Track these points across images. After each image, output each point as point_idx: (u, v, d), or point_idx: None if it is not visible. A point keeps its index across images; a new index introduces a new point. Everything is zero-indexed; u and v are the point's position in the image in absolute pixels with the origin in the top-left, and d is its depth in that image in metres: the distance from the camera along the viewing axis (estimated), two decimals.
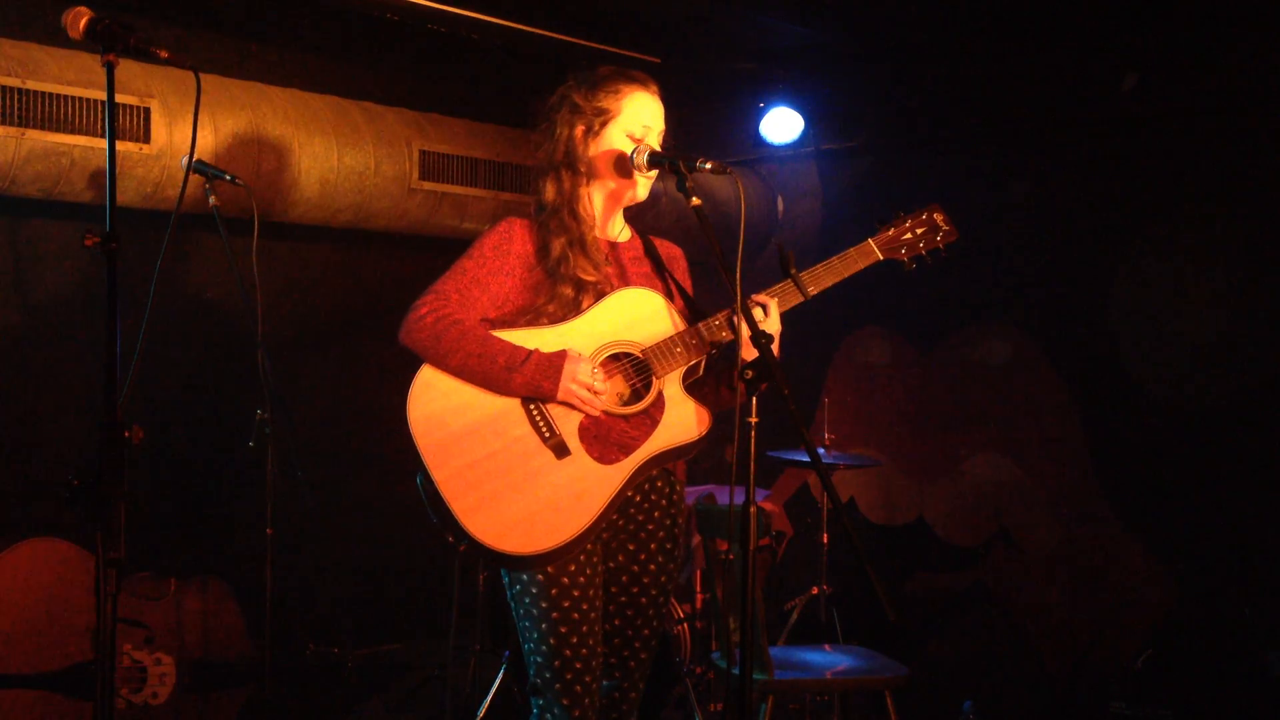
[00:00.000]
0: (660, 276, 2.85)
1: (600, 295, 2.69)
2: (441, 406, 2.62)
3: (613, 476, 2.63)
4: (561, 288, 2.66)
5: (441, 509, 2.58)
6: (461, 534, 2.57)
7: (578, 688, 2.62)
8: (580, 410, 2.62)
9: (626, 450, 2.64)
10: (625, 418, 2.65)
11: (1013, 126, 5.12)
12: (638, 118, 2.71)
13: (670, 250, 2.93)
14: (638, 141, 2.70)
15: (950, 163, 5.33)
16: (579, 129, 2.72)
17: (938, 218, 2.83)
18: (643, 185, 2.75)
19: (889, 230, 2.80)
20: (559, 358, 2.60)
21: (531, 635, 2.65)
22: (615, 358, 2.69)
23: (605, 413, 2.63)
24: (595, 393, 2.60)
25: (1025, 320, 5.14)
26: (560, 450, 2.61)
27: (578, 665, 2.62)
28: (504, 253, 2.70)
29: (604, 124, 2.70)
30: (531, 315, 2.69)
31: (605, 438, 2.63)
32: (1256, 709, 4.12)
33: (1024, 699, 4.69)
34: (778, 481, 5.84)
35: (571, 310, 2.67)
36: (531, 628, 2.64)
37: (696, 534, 4.47)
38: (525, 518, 2.58)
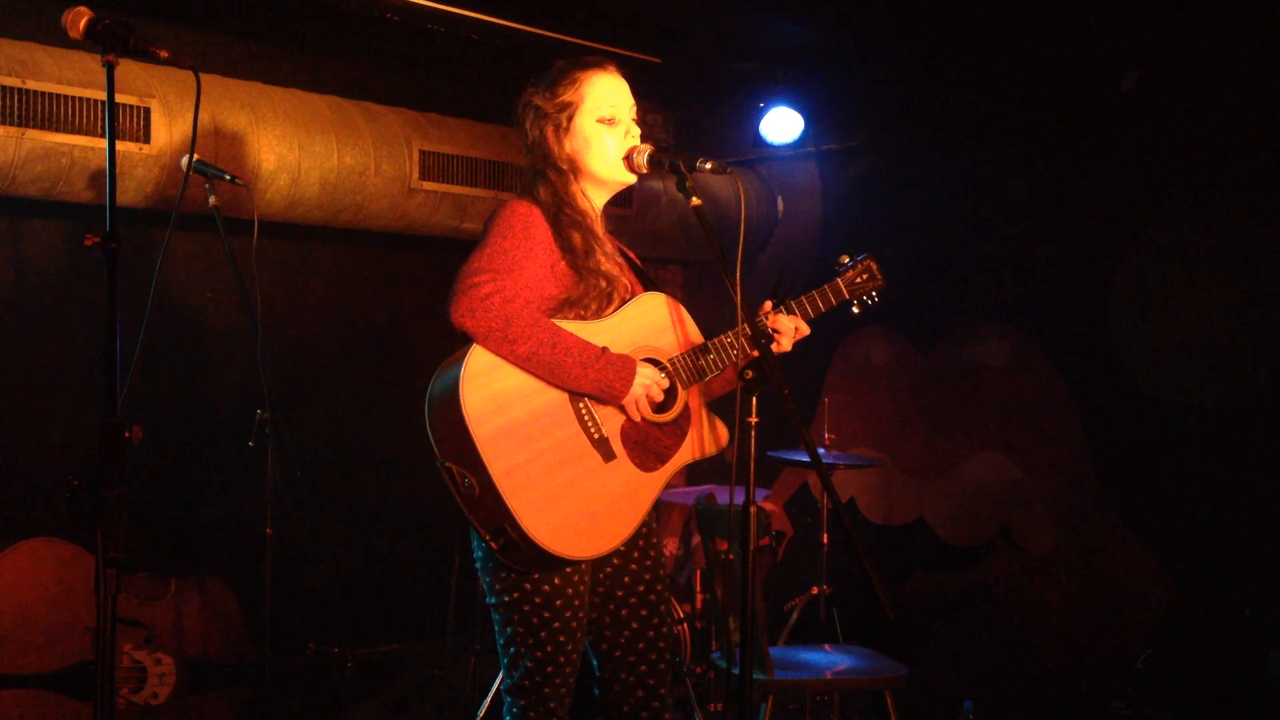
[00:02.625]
0: (640, 278, 2.85)
1: (622, 293, 2.67)
2: (497, 393, 2.48)
3: (652, 484, 2.64)
4: (595, 280, 2.62)
5: (495, 504, 2.46)
6: (516, 532, 2.46)
7: (563, 689, 2.65)
8: (627, 414, 2.61)
9: (662, 459, 2.66)
10: (660, 426, 2.66)
11: (1013, 126, 5.12)
12: (603, 99, 2.68)
13: (630, 254, 2.92)
14: (609, 122, 2.67)
15: (950, 163, 5.33)
16: (548, 129, 2.69)
17: (873, 266, 2.94)
18: (621, 167, 2.68)
19: (847, 273, 2.92)
20: (630, 360, 2.58)
21: (525, 641, 2.62)
22: (647, 363, 2.67)
23: (644, 419, 2.63)
24: (652, 399, 2.60)
25: (1025, 320, 5.14)
26: (607, 454, 2.59)
27: (567, 670, 2.64)
28: (530, 235, 2.60)
29: (570, 117, 2.68)
30: (567, 307, 2.62)
31: (644, 444, 2.64)
32: (1256, 709, 4.12)
33: (1024, 699, 4.68)
34: (778, 481, 5.84)
35: (605, 305, 2.64)
36: (526, 634, 2.62)
37: (696, 534, 4.48)
38: (581, 521, 2.54)
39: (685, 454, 2.69)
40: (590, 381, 2.52)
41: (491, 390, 2.48)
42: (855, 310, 2.94)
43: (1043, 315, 5.09)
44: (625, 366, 2.55)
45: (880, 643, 3.82)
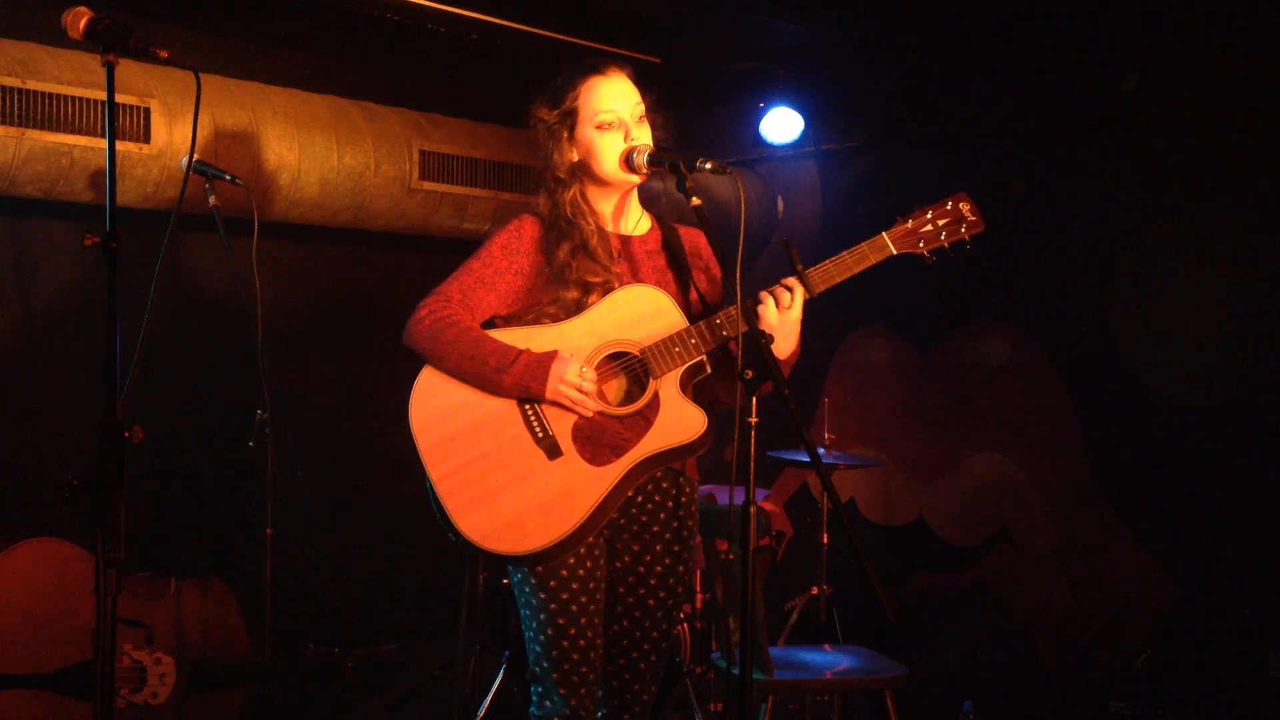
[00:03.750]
0: (676, 269, 2.81)
1: (607, 293, 2.68)
2: (440, 406, 2.64)
3: (603, 477, 2.62)
4: (564, 291, 2.66)
5: (437, 507, 2.61)
6: (454, 532, 2.61)
7: (574, 677, 2.64)
8: (572, 411, 2.62)
9: (619, 451, 2.63)
10: (619, 419, 2.64)
11: (1013, 126, 5.12)
12: (602, 103, 2.68)
13: (695, 239, 2.87)
14: (608, 126, 2.68)
15: (950, 163, 5.33)
16: (552, 141, 2.72)
17: (964, 207, 2.73)
18: (618, 168, 2.68)
19: (906, 223, 2.71)
20: (548, 358, 2.60)
21: (531, 624, 2.68)
22: (614, 357, 2.67)
23: (599, 413, 2.63)
24: (585, 393, 2.60)
25: (1025, 320, 5.14)
26: (552, 451, 2.62)
27: (575, 656, 2.64)
28: (513, 252, 2.71)
29: (572, 126, 2.71)
30: (534, 314, 2.70)
31: (598, 439, 2.63)
32: (1256, 709, 4.12)
33: (1024, 699, 4.69)
34: (778, 481, 5.84)
35: (574, 310, 2.66)
36: (531, 617, 2.67)
37: (697, 534, 4.47)
38: (515, 517, 2.59)
39: (650, 444, 2.64)
40: (508, 384, 2.60)
41: (434, 405, 2.65)
42: (929, 261, 2.70)
43: (1043, 315, 5.09)
44: (540, 366, 2.59)
45: (880, 643, 3.82)
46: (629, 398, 2.69)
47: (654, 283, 2.73)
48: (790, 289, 2.65)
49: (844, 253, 2.67)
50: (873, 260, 2.68)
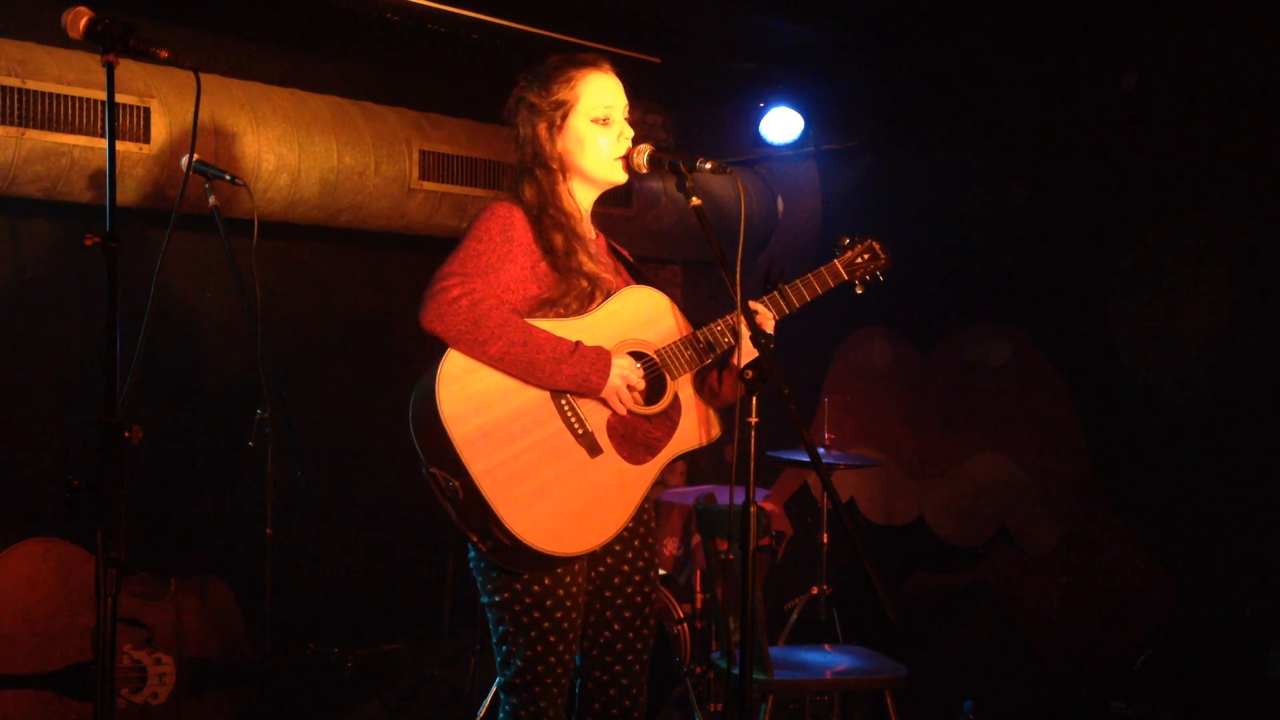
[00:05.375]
0: (635, 275, 2.83)
1: (606, 291, 2.66)
2: (475, 394, 2.49)
3: (643, 476, 2.63)
4: (576, 280, 2.62)
5: (478, 505, 2.46)
6: (501, 532, 2.46)
7: (555, 689, 2.64)
8: (611, 408, 2.60)
9: (652, 451, 2.64)
10: (648, 418, 2.65)
11: (1013, 126, 5.12)
12: (598, 99, 2.67)
13: (623, 252, 2.91)
14: (600, 122, 2.66)
15: (950, 163, 5.33)
16: (541, 127, 2.67)
17: (876, 246, 2.95)
18: (613, 167, 2.68)
19: (847, 254, 2.93)
20: (605, 352, 2.57)
21: (517, 640, 2.62)
22: (633, 356, 2.66)
23: (630, 412, 2.62)
24: (635, 390, 2.59)
25: (1025, 320, 5.15)
26: (593, 448, 2.58)
27: (559, 670, 2.64)
28: (509, 238, 2.61)
29: (564, 115, 2.67)
30: (546, 307, 2.61)
31: (632, 437, 2.63)
32: (1256, 709, 4.12)
33: (1024, 699, 4.68)
34: (778, 481, 5.84)
35: (587, 303, 2.63)
36: (519, 633, 2.61)
37: (696, 534, 4.48)
38: (568, 517, 2.53)
39: (677, 445, 2.67)
40: (565, 376, 2.52)
41: (468, 392, 2.48)
42: (859, 291, 2.95)
43: (1043, 315, 5.09)
44: (600, 358, 2.54)
45: (880, 643, 3.82)
46: (645, 398, 2.67)
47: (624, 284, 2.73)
48: (760, 314, 2.72)
49: (810, 275, 2.86)
50: (832, 284, 2.91)
